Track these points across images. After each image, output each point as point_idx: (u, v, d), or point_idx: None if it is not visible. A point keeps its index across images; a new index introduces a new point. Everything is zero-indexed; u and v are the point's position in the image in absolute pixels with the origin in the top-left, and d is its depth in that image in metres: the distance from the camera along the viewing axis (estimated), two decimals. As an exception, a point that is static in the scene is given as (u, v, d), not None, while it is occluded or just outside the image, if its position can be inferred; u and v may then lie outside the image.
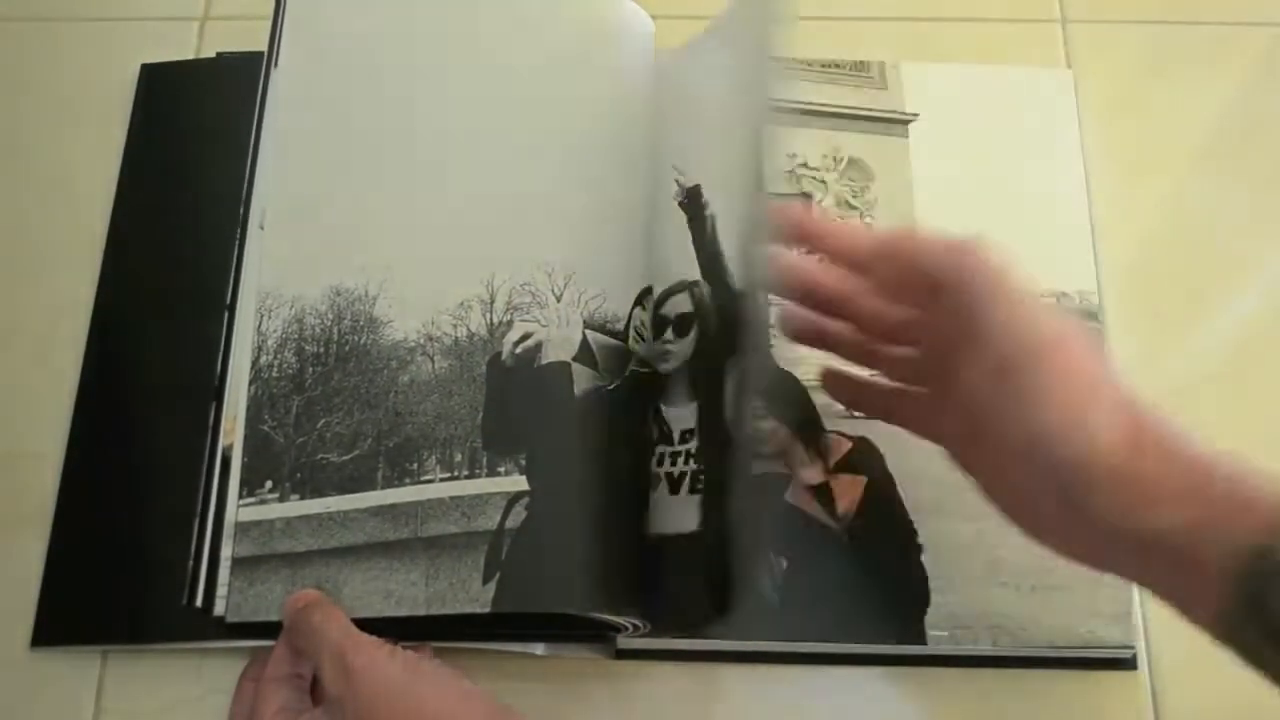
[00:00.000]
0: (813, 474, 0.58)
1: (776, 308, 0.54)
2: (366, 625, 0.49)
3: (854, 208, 0.64)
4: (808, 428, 0.59)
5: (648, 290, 0.56)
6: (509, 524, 0.52)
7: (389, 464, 0.54)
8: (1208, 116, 0.67)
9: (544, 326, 0.55)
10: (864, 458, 0.58)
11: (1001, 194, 0.64)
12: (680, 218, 0.57)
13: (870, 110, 0.66)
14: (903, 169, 0.65)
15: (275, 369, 0.56)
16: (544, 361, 0.54)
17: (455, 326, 0.56)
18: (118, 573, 0.56)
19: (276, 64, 0.60)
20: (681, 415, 0.54)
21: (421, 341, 0.56)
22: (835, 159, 0.65)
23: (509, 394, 0.54)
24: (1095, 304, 0.62)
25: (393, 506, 0.53)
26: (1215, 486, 0.40)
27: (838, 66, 0.67)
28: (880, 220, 0.64)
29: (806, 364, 0.60)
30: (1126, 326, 0.62)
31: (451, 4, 0.62)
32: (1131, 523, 0.40)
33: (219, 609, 0.52)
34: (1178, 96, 0.67)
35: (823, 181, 0.65)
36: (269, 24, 0.61)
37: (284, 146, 0.59)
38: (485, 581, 0.51)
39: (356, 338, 0.56)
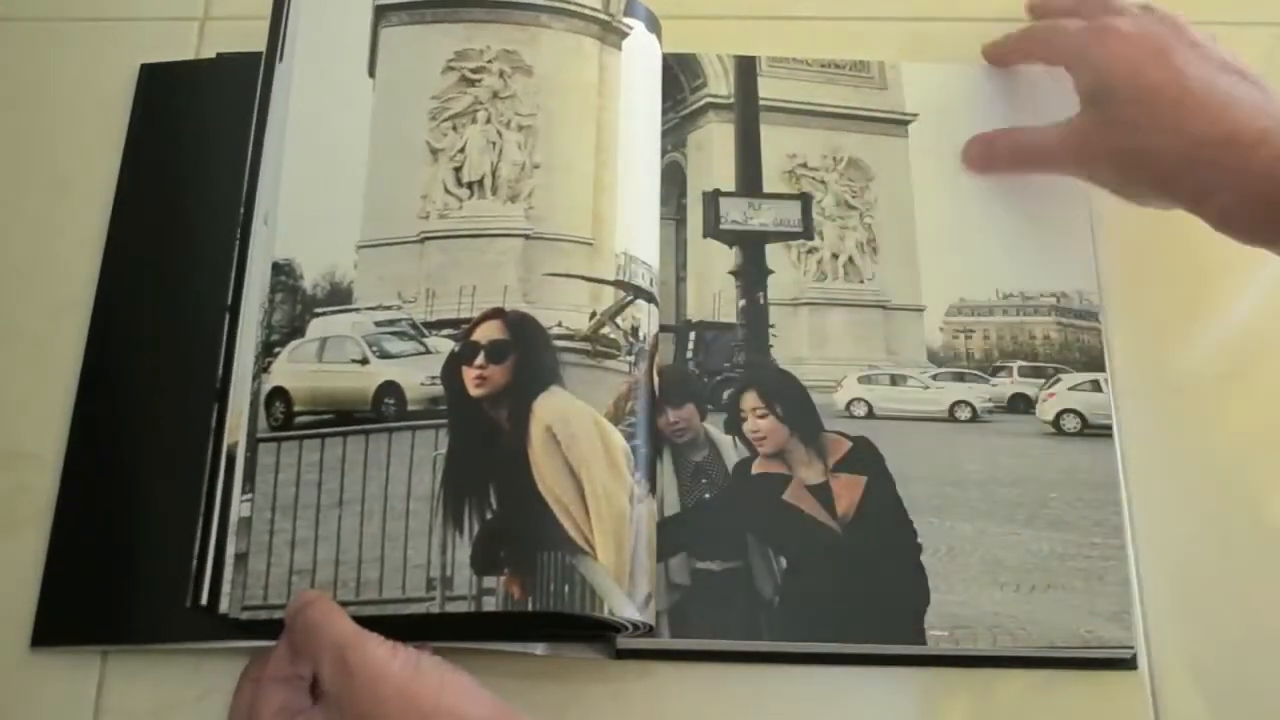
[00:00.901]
0: (812, 474, 0.58)
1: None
2: (367, 624, 0.49)
3: (853, 208, 0.64)
4: (807, 428, 0.59)
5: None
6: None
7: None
8: (1207, 116, 0.67)
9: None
10: (863, 458, 0.58)
11: (1001, 193, 0.64)
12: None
13: (870, 110, 0.66)
14: (902, 169, 0.65)
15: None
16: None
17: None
18: (118, 573, 0.56)
19: (281, 58, 0.60)
20: None
21: None
22: (835, 159, 0.65)
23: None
24: (1096, 303, 0.62)
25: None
26: None
27: (837, 66, 0.67)
28: (880, 220, 0.64)
29: (806, 364, 0.61)
30: (1126, 326, 0.62)
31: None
32: None
33: (223, 606, 0.52)
34: (1177, 97, 0.67)
35: (822, 182, 0.65)
36: (269, 22, 0.61)
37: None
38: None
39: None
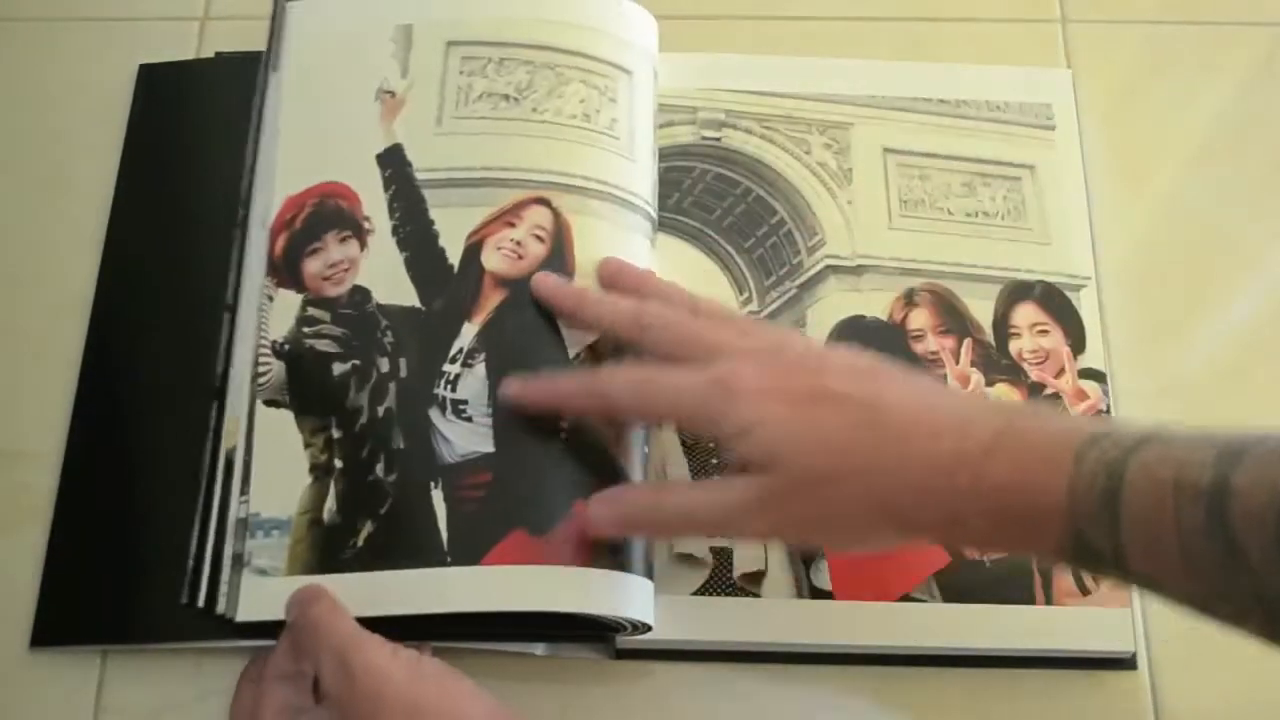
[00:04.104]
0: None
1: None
2: (367, 624, 0.49)
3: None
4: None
5: None
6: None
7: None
8: (1208, 116, 0.67)
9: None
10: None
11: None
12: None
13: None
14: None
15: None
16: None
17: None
18: (118, 573, 0.56)
19: (275, 67, 0.60)
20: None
21: None
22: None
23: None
24: (1094, 294, 0.61)
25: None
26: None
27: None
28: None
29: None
30: (1126, 325, 0.62)
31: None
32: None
33: (221, 608, 0.52)
34: (1178, 96, 0.67)
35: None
36: (267, 24, 0.61)
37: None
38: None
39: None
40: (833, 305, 0.61)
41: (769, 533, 0.51)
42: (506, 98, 0.59)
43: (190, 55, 0.68)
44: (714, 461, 0.57)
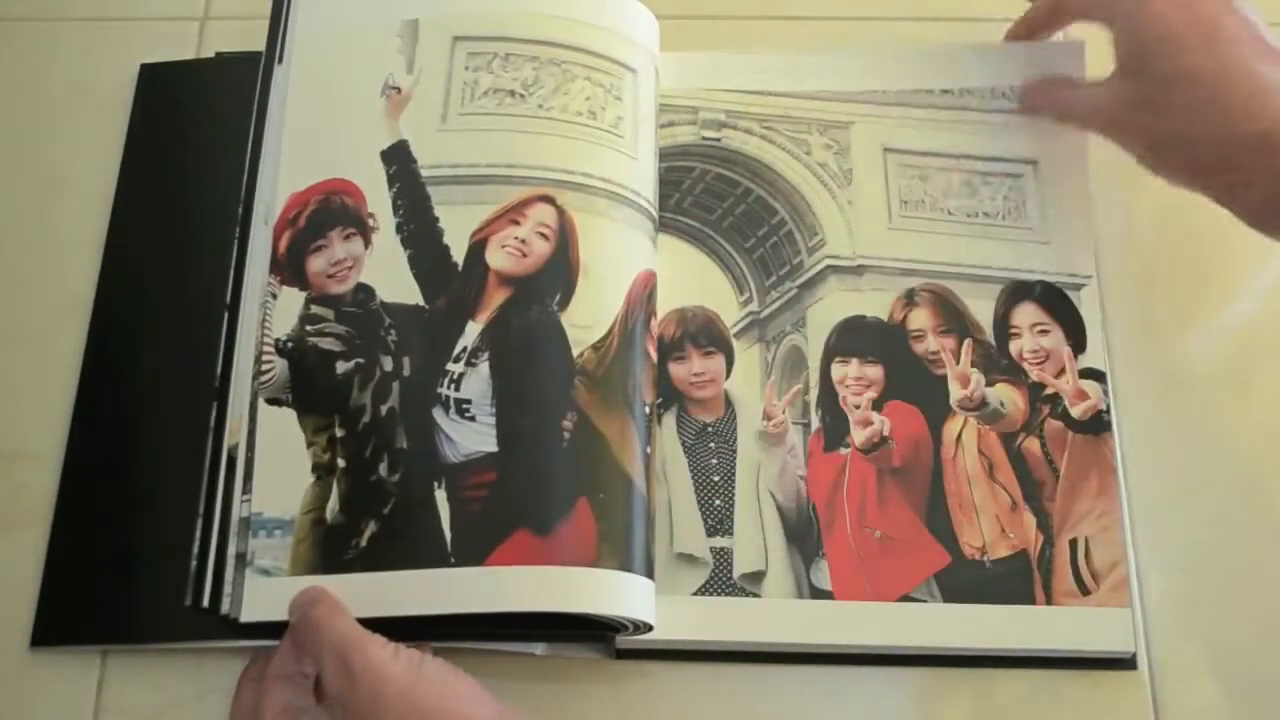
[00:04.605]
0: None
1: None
2: (370, 625, 0.49)
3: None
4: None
5: None
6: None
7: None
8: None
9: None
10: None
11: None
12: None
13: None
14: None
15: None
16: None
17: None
18: (118, 573, 0.56)
19: (280, 60, 0.60)
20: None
21: None
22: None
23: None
24: (1095, 294, 0.61)
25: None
26: None
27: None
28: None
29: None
30: (1126, 325, 0.62)
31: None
32: None
33: (225, 608, 0.52)
34: (1177, 97, 0.67)
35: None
36: (268, 22, 0.61)
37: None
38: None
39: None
40: (833, 305, 0.61)
41: (1109, 122, 0.59)
42: (512, 94, 0.59)
43: (190, 55, 0.68)
44: (713, 462, 0.58)
